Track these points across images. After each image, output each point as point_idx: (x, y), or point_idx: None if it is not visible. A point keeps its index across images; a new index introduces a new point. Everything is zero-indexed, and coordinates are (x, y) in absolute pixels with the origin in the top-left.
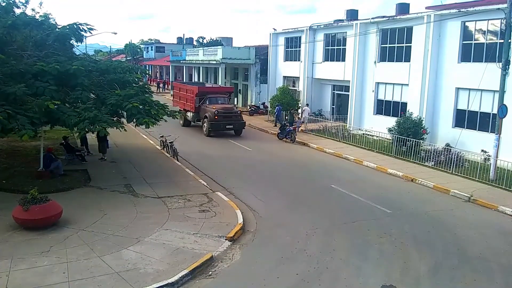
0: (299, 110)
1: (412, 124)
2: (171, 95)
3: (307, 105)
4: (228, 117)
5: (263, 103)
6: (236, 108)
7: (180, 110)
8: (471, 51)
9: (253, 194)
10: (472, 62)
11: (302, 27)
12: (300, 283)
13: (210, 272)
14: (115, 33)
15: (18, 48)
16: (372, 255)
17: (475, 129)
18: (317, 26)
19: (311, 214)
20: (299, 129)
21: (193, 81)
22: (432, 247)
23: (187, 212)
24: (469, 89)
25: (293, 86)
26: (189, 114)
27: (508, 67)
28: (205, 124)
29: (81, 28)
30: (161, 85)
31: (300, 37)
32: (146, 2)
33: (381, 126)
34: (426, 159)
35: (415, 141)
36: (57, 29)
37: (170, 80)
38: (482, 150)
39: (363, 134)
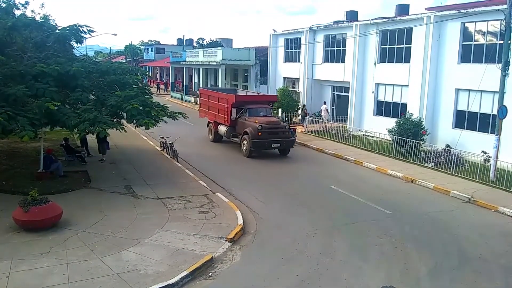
0: (299, 112)
1: (412, 125)
2: (168, 97)
3: (325, 103)
4: (275, 133)
5: None
6: (284, 121)
7: (209, 122)
8: (471, 52)
9: (253, 195)
10: (472, 63)
11: (302, 28)
12: (300, 284)
13: (210, 273)
14: (115, 35)
15: (18, 50)
16: (372, 256)
17: (475, 130)
18: (317, 27)
19: (311, 215)
20: (306, 126)
21: (193, 82)
22: (432, 248)
23: (187, 213)
24: (469, 90)
25: (293, 87)
26: (222, 128)
27: (508, 68)
28: (245, 142)
29: (81, 29)
30: (162, 86)
31: (300, 38)
32: (146, 3)
33: (381, 127)
34: (426, 160)
35: (415, 142)
36: (57, 31)
37: (170, 81)
38: (482, 151)
39: (363, 135)
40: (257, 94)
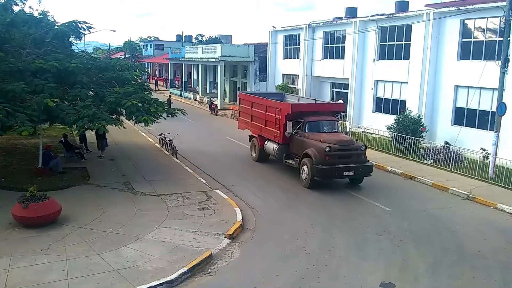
0: None
1: (411, 122)
2: (167, 93)
3: (342, 98)
4: (347, 157)
5: None
6: (356, 140)
7: (252, 136)
8: (470, 49)
9: (252, 192)
10: (471, 60)
11: (301, 24)
12: (299, 280)
13: (209, 270)
14: (114, 31)
15: (17, 46)
16: (371, 253)
17: (474, 127)
18: (316, 23)
19: (310, 211)
20: None
21: (192, 78)
22: (431, 245)
23: (186, 210)
24: (468, 87)
25: (292, 84)
26: (271, 146)
27: (507, 65)
28: (305, 168)
29: (79, 26)
30: (160, 83)
31: (299, 35)
32: (145, 0)
33: (380, 124)
34: (425, 157)
35: (414, 139)
36: (55, 27)
37: (169, 77)
38: (481, 148)
39: (362, 132)
40: (314, 101)
